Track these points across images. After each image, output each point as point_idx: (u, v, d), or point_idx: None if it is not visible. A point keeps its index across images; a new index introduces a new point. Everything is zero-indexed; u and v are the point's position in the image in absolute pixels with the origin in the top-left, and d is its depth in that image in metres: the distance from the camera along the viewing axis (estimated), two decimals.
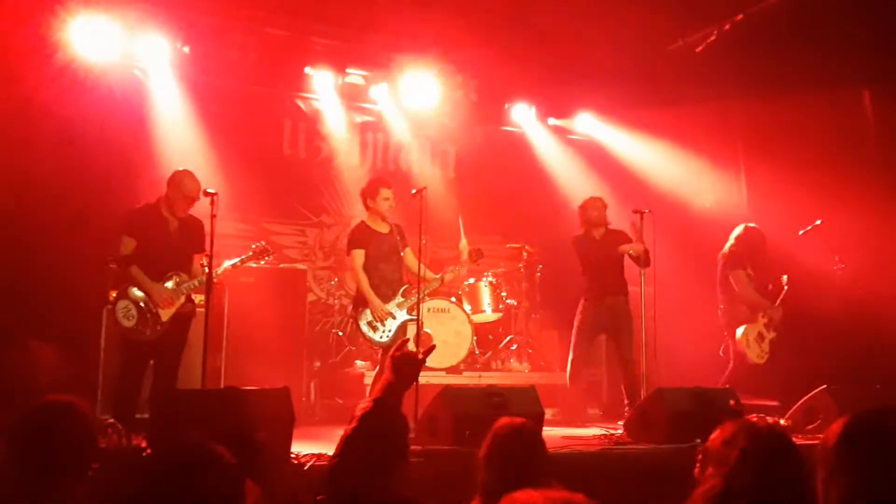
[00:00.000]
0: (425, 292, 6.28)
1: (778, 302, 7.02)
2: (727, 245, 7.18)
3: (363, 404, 2.42)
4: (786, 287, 7.03)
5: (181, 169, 5.70)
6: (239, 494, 1.86)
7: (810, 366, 6.79)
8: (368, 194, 6.28)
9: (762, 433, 2.07)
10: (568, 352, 7.01)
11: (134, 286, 5.40)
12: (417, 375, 2.54)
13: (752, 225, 7.21)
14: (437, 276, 6.37)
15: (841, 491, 1.91)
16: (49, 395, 2.52)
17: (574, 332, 6.98)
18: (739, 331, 6.89)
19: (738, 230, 7.19)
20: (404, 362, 2.50)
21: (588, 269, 7.00)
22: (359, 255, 6.16)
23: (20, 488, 2.32)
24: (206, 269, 5.41)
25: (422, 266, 6.12)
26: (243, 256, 5.89)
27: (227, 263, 5.79)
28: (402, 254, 6.30)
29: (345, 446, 2.35)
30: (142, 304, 5.37)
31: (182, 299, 5.51)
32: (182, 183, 5.53)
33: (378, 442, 2.33)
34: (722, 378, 6.82)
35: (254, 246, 6.04)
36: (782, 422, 5.98)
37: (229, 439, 2.38)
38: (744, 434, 2.06)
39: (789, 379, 6.46)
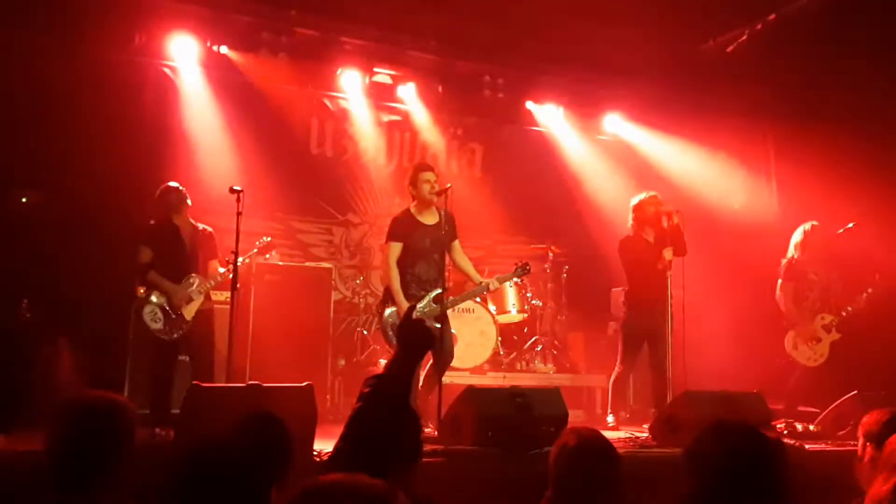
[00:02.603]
0: (461, 301, 6.20)
1: (858, 302, 6.71)
2: (789, 252, 6.92)
3: (369, 381, 2.28)
4: (869, 289, 6.69)
5: (170, 184, 5.98)
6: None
7: (867, 370, 6.62)
8: (410, 181, 5.99)
9: (734, 434, 2.03)
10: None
11: (155, 290, 5.78)
12: (429, 346, 2.37)
13: (813, 224, 6.91)
14: (483, 282, 6.03)
15: None
16: (97, 392, 2.52)
17: (621, 343, 6.69)
18: (788, 336, 6.76)
19: (801, 233, 6.90)
20: (414, 331, 2.36)
21: (637, 276, 6.60)
22: (394, 249, 5.87)
23: (59, 478, 2.34)
24: (222, 272, 5.88)
25: (470, 265, 6.07)
26: (250, 253, 6.19)
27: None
28: (447, 248, 5.89)
29: (350, 427, 2.20)
30: (165, 307, 5.76)
31: (201, 298, 5.86)
32: (167, 197, 5.90)
33: (388, 421, 2.18)
34: (789, 381, 6.70)
35: (257, 243, 6.32)
36: (811, 428, 5.89)
37: (261, 440, 2.33)
38: (716, 437, 2.03)
39: (847, 383, 6.21)
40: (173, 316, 5.74)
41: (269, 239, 6.42)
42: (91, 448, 2.36)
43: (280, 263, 7.30)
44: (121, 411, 2.47)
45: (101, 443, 2.37)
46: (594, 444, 2.58)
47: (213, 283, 5.91)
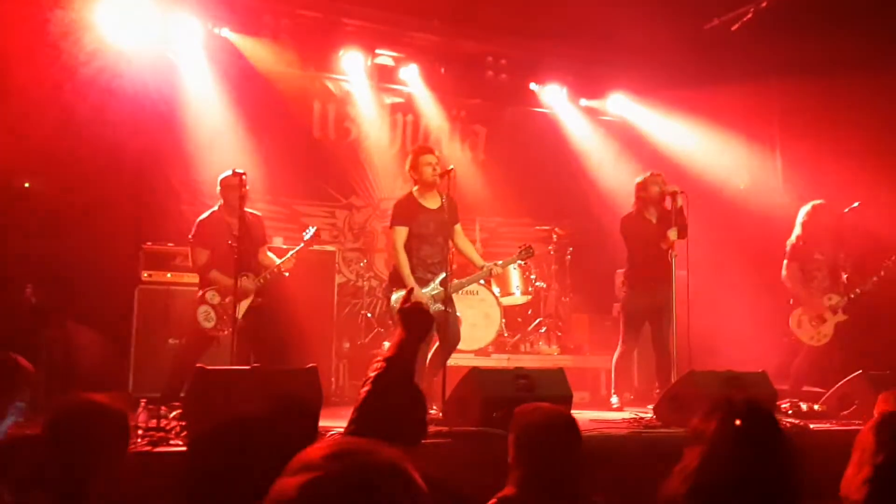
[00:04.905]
0: (466, 284, 6.18)
1: (867, 284, 6.63)
2: (794, 232, 6.87)
3: (375, 365, 2.30)
4: (881, 273, 6.59)
5: (228, 172, 5.87)
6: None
7: (873, 350, 6.59)
8: (411, 165, 5.91)
9: (738, 409, 2.03)
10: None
11: (211, 290, 5.77)
12: (429, 327, 2.41)
13: (817, 203, 6.84)
14: (486, 265, 6.01)
15: None
16: (90, 394, 2.50)
17: (622, 323, 6.68)
18: (794, 313, 6.73)
19: (804, 213, 6.84)
20: (413, 314, 2.39)
21: (637, 255, 6.56)
22: (401, 233, 5.81)
23: (55, 476, 2.33)
24: (275, 260, 5.95)
25: (473, 248, 6.05)
26: (298, 248, 6.15)
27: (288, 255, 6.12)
28: (450, 232, 5.89)
29: (360, 411, 2.21)
30: (219, 307, 5.78)
31: (251, 296, 5.83)
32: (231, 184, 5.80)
33: (394, 402, 2.19)
34: (794, 362, 6.69)
35: (305, 235, 6.24)
36: (816, 407, 5.89)
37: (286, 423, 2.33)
38: (720, 410, 2.03)
39: (853, 363, 6.17)
40: (225, 316, 5.75)
41: (314, 229, 6.31)
42: (81, 454, 2.35)
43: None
44: (112, 417, 2.45)
45: (90, 449, 2.37)
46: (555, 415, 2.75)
47: (263, 279, 5.87)
